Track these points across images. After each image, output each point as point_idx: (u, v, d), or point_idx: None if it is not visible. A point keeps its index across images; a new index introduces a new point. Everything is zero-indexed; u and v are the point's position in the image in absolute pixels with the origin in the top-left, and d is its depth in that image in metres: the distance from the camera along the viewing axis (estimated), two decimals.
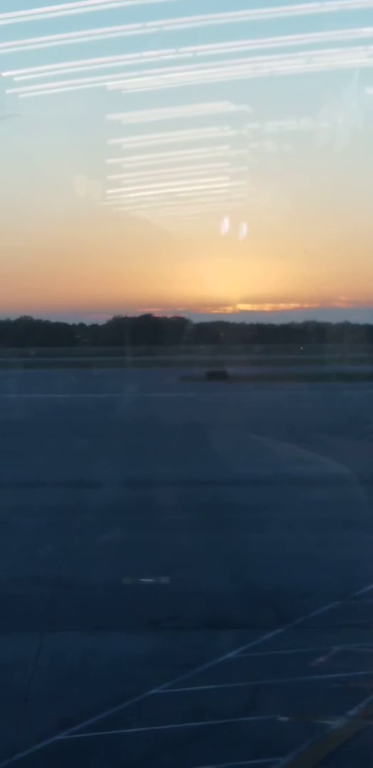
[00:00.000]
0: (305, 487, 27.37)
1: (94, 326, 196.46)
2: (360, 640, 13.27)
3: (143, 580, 16.82)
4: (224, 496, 26.11)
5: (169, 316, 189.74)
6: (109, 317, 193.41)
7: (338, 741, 9.88)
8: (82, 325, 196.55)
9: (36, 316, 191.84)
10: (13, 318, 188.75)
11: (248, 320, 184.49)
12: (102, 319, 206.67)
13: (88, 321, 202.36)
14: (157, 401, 65.80)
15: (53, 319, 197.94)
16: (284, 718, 10.45)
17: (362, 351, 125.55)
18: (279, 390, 76.22)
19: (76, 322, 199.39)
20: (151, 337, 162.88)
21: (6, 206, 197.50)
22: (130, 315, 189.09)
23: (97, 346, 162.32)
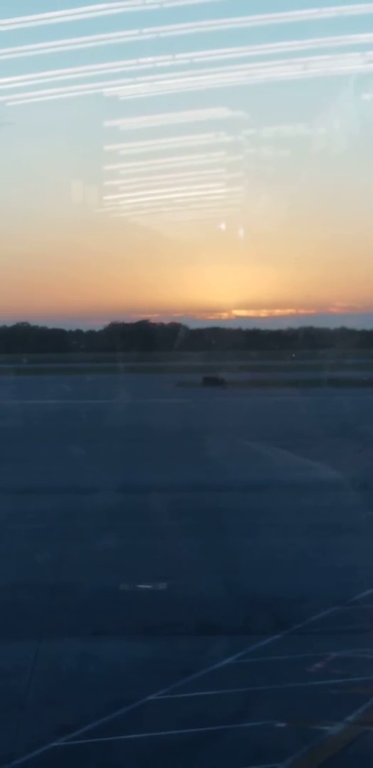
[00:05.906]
0: (300, 493, 27.37)
1: (91, 332, 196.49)
2: (357, 645, 13.27)
3: (141, 586, 16.81)
4: (220, 502, 26.09)
5: (166, 322, 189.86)
6: (106, 323, 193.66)
7: (335, 747, 9.88)
8: (78, 332, 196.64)
9: (32, 322, 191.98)
10: (9, 324, 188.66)
11: (244, 326, 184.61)
12: (98, 326, 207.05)
13: (84, 327, 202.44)
14: (154, 407, 65.76)
15: (50, 326, 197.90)
16: (282, 724, 10.44)
17: (358, 356, 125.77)
18: (275, 396, 76.23)
19: (73, 329, 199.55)
20: (147, 343, 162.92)
21: (3, 213, 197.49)
22: (126, 321, 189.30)
23: (94, 353, 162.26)
